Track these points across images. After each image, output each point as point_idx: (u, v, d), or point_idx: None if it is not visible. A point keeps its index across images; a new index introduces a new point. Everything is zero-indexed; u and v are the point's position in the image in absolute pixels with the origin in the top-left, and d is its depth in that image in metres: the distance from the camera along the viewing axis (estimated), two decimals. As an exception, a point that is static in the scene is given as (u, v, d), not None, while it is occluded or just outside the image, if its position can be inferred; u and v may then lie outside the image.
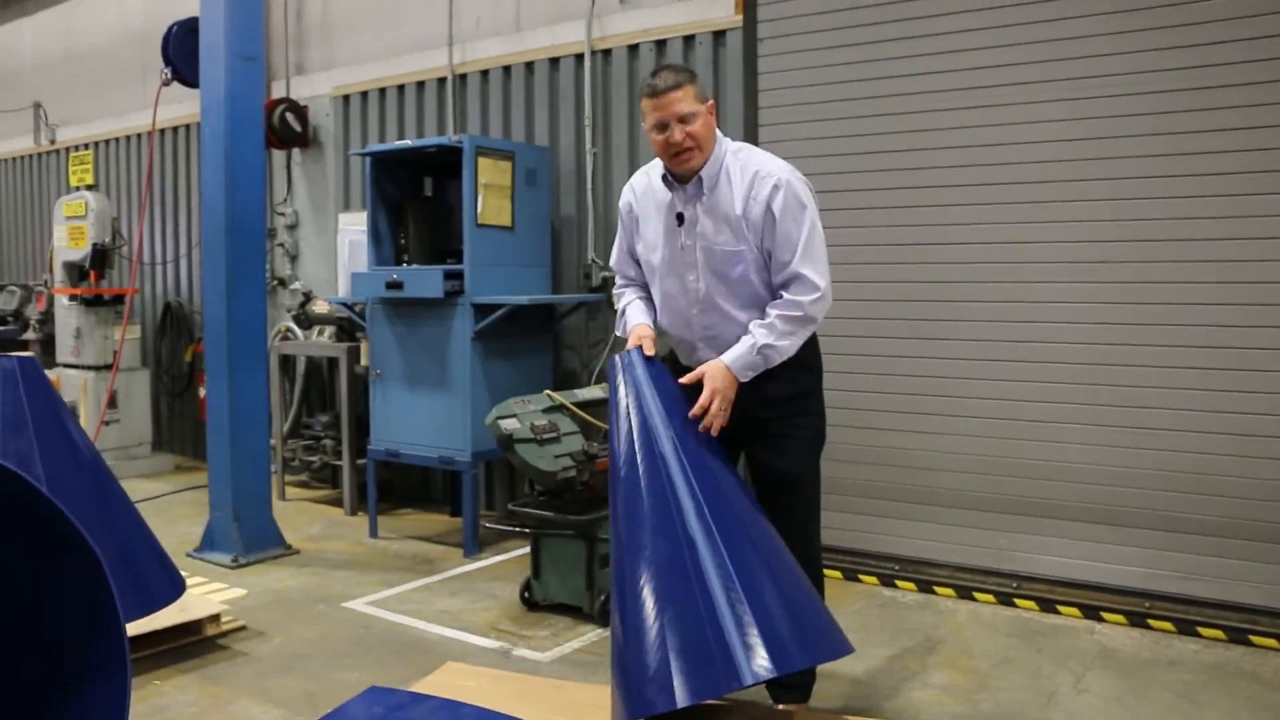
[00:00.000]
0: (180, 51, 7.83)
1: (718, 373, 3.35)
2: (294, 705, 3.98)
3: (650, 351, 3.41)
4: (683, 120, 3.37)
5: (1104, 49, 4.79)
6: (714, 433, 3.30)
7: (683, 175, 3.49)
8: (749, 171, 3.45)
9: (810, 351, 3.61)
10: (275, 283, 8.29)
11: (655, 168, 3.63)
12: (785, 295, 3.40)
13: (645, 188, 3.66)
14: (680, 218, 3.52)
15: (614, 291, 3.90)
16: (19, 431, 4.12)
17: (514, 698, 3.66)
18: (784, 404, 3.52)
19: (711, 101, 3.50)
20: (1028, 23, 4.97)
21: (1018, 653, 4.46)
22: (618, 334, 3.76)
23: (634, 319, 3.63)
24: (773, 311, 3.40)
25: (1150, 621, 4.69)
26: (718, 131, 3.52)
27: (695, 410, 3.29)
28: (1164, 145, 4.68)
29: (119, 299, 8.33)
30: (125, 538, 4.26)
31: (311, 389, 7.93)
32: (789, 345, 3.40)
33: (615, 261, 3.85)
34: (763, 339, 3.37)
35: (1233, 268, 4.57)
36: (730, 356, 3.37)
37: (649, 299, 3.72)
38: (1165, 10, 4.64)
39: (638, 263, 3.74)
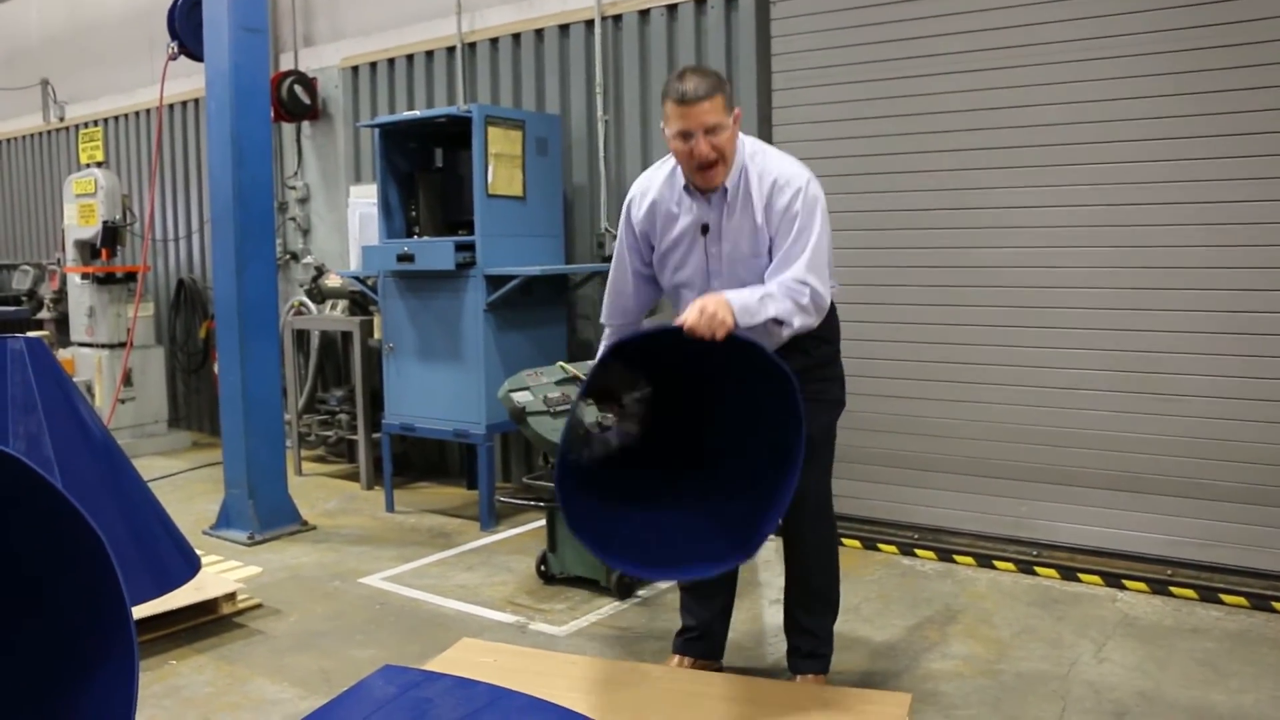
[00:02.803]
0: (186, 25, 7.73)
1: (717, 299, 3.15)
2: (310, 683, 3.97)
3: None
4: (709, 132, 3.24)
5: (1126, 7, 4.68)
6: (719, 336, 3.06)
7: (705, 187, 3.41)
8: (767, 180, 3.36)
9: (829, 325, 3.54)
10: (288, 257, 8.26)
11: (664, 175, 3.51)
12: (794, 284, 3.28)
13: (662, 198, 3.49)
14: (705, 228, 3.42)
15: (603, 321, 3.77)
16: (28, 413, 4.09)
17: (530, 674, 3.65)
18: (802, 374, 3.45)
19: (739, 110, 3.38)
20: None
21: (1038, 621, 4.41)
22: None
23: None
24: (777, 287, 3.27)
25: (1172, 589, 4.64)
26: (739, 136, 3.42)
27: (683, 322, 3.09)
28: (1185, 106, 4.59)
29: (131, 276, 8.31)
30: (139, 518, 4.24)
31: (326, 363, 7.91)
32: (786, 319, 3.24)
33: (606, 310, 3.72)
34: (765, 292, 3.24)
35: (1255, 230, 4.48)
36: (733, 293, 3.20)
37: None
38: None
39: (648, 279, 3.63)
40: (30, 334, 8.74)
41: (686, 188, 3.44)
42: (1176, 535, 4.71)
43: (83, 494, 4.01)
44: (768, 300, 3.21)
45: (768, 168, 3.39)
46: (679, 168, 3.44)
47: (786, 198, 3.31)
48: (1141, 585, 4.71)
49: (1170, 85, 4.60)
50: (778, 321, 3.24)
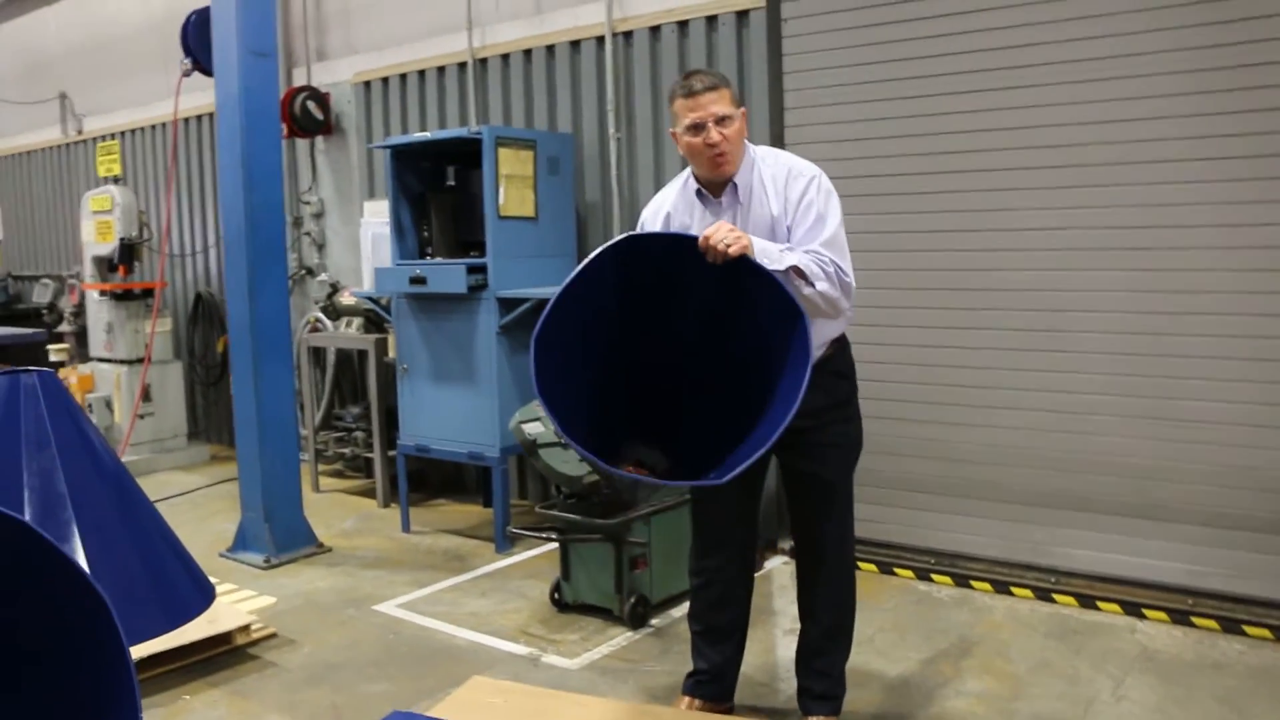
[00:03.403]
0: (199, 41, 7.71)
1: (742, 233, 3.07)
2: (321, 721, 3.97)
3: None
4: (719, 122, 3.28)
5: (1145, 25, 4.59)
6: (732, 252, 2.96)
7: (716, 185, 3.39)
8: (780, 171, 3.38)
9: (846, 360, 3.54)
10: (303, 272, 8.27)
11: (675, 189, 3.52)
12: (824, 253, 3.23)
13: (676, 209, 3.48)
14: None
15: None
16: (41, 449, 4.07)
17: (539, 715, 3.63)
18: (823, 413, 3.41)
19: (745, 109, 3.41)
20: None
21: (1055, 655, 4.35)
22: None
23: None
24: (803, 251, 3.20)
25: (1194, 619, 4.57)
26: (746, 142, 3.42)
27: (701, 240, 3.00)
28: (1206, 126, 4.50)
29: (149, 293, 8.33)
30: (152, 550, 4.20)
31: (342, 379, 7.91)
32: (809, 271, 3.14)
33: None
34: (788, 247, 3.20)
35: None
36: (757, 239, 3.12)
37: None
38: (1204, -15, 4.46)
39: None
40: (51, 352, 8.83)
41: (699, 192, 3.43)
42: (1199, 564, 4.63)
43: (96, 529, 4.02)
44: (788, 253, 3.17)
45: (779, 160, 3.43)
46: (688, 179, 3.47)
47: (802, 185, 3.33)
48: (1162, 615, 4.64)
49: (1191, 105, 4.52)
50: (799, 274, 3.14)
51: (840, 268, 3.23)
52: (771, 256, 3.10)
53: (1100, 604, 4.79)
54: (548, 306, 2.93)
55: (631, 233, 3.24)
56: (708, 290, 3.12)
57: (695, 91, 3.29)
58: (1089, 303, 4.83)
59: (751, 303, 3.08)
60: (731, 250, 2.96)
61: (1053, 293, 4.91)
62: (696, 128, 3.29)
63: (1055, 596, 4.91)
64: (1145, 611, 4.68)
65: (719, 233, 2.98)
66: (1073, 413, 4.90)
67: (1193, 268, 4.58)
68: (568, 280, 2.98)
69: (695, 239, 3.02)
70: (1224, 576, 4.58)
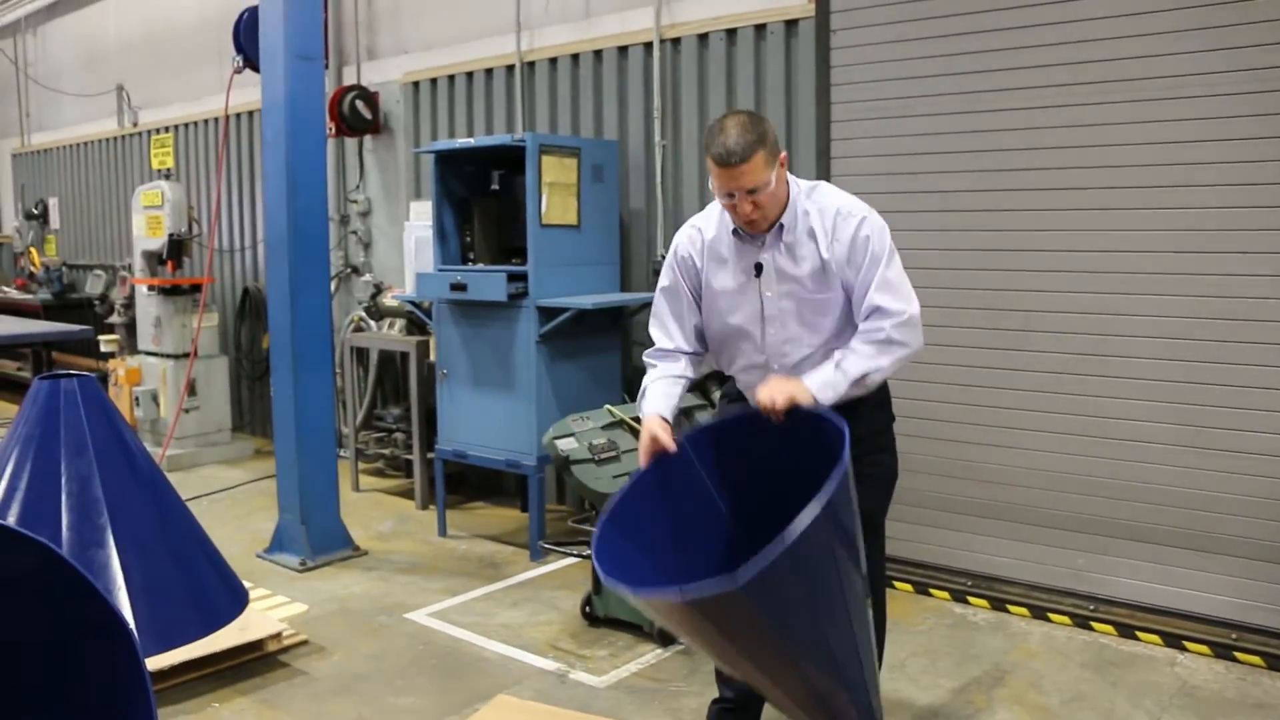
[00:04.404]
0: (251, 39, 7.76)
1: (784, 379, 3.11)
2: (347, 734, 3.99)
3: (669, 445, 3.12)
4: (751, 192, 3.17)
5: (1198, 45, 4.47)
6: (780, 406, 2.98)
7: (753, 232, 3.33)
8: (829, 212, 3.28)
9: (884, 390, 3.48)
10: (349, 270, 8.31)
11: (714, 218, 3.44)
12: (873, 323, 3.22)
13: (712, 240, 3.41)
14: (759, 268, 3.33)
15: (645, 358, 3.55)
16: (80, 454, 4.14)
17: (562, 738, 3.62)
18: (862, 443, 3.35)
19: (784, 154, 3.28)
20: (1117, 15, 4.67)
21: (1090, 687, 4.27)
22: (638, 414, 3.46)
23: (649, 407, 3.31)
24: (858, 341, 3.22)
25: (1237, 654, 4.46)
26: (789, 176, 3.33)
27: (762, 403, 3.01)
28: (1264, 151, 4.37)
29: (197, 288, 8.41)
30: (186, 555, 4.26)
31: (385, 380, 7.95)
32: (871, 366, 3.17)
33: (657, 328, 3.53)
34: (840, 356, 3.18)
35: (1334, 283, 4.28)
36: (809, 376, 3.14)
37: (678, 377, 3.44)
38: (1261, 5, 4.33)
39: (694, 329, 3.50)
40: (102, 343, 8.95)
41: (735, 231, 3.36)
42: (1244, 598, 4.52)
43: (132, 534, 4.07)
44: (843, 364, 3.14)
45: (828, 201, 3.32)
46: (727, 213, 3.37)
47: (853, 225, 3.25)
48: (1204, 648, 4.54)
49: (1249, 128, 4.40)
50: (864, 377, 3.15)
51: (891, 312, 3.19)
52: (831, 383, 3.10)
53: (1140, 634, 4.70)
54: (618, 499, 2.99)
55: (691, 433, 3.19)
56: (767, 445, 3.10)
57: (726, 164, 3.13)
58: (1135, 327, 4.72)
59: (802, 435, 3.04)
60: (779, 405, 2.96)
61: (1098, 316, 4.81)
62: (728, 194, 3.20)
63: (1094, 624, 4.82)
64: (1186, 644, 4.58)
65: (764, 396, 2.99)
66: (1118, 438, 4.80)
67: (1242, 295, 4.47)
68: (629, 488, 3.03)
69: (756, 415, 3.02)
70: (1270, 611, 4.47)
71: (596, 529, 2.88)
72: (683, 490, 3.11)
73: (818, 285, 3.29)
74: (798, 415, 2.99)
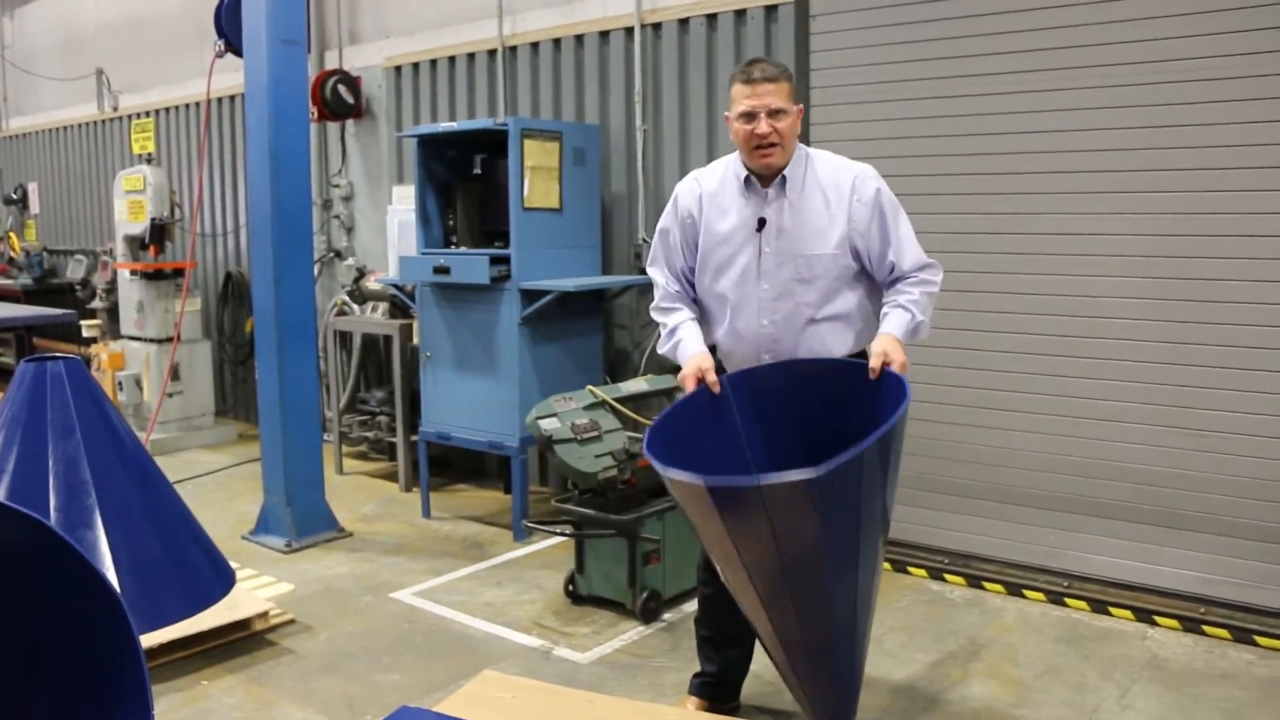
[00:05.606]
0: (232, 23, 7.76)
1: (889, 340, 3.26)
2: (334, 710, 4.04)
3: (714, 387, 3.33)
4: (773, 114, 3.27)
5: (1180, 30, 4.54)
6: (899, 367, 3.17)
7: (766, 176, 3.39)
8: (846, 173, 3.41)
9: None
10: (332, 254, 8.34)
11: (717, 172, 3.52)
12: (920, 275, 3.41)
13: (714, 191, 3.49)
14: (761, 222, 3.39)
15: (656, 304, 3.63)
16: (67, 436, 4.18)
17: (545, 713, 3.68)
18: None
19: (801, 107, 3.40)
20: (1099, 1, 4.74)
21: (1064, 660, 4.37)
22: (662, 352, 3.60)
23: (691, 346, 3.44)
24: (914, 290, 3.38)
25: (1205, 628, 4.57)
26: (797, 139, 3.44)
27: (875, 365, 3.18)
28: (1234, 135, 4.45)
29: (179, 273, 8.43)
30: (173, 536, 4.30)
31: (368, 363, 8.00)
32: (929, 315, 3.40)
33: (659, 271, 3.63)
34: (918, 312, 3.36)
35: (1301, 265, 4.37)
36: (893, 328, 3.31)
37: (696, 320, 3.55)
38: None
39: (688, 277, 3.59)
40: (84, 328, 8.95)
41: (747, 179, 3.42)
42: (1212, 573, 4.63)
43: (119, 514, 4.11)
44: (916, 311, 3.35)
45: (838, 163, 3.46)
46: (733, 164, 3.47)
47: (873, 187, 3.40)
48: (1173, 622, 4.64)
49: (1221, 114, 4.47)
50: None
51: (934, 267, 3.45)
52: (912, 332, 3.35)
53: (1112, 609, 4.80)
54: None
55: (734, 374, 3.43)
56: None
57: (754, 79, 3.28)
58: (1109, 309, 4.81)
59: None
60: (897, 363, 3.18)
61: (1073, 298, 4.90)
62: (749, 115, 3.29)
63: (1067, 600, 4.91)
64: (1157, 618, 4.68)
65: (881, 353, 3.20)
66: (1091, 418, 4.89)
67: (1214, 277, 4.55)
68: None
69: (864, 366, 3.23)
70: (1237, 586, 4.58)
71: (647, 435, 3.16)
72: (710, 428, 3.31)
73: (820, 241, 3.36)
74: (845, 370, 3.25)
